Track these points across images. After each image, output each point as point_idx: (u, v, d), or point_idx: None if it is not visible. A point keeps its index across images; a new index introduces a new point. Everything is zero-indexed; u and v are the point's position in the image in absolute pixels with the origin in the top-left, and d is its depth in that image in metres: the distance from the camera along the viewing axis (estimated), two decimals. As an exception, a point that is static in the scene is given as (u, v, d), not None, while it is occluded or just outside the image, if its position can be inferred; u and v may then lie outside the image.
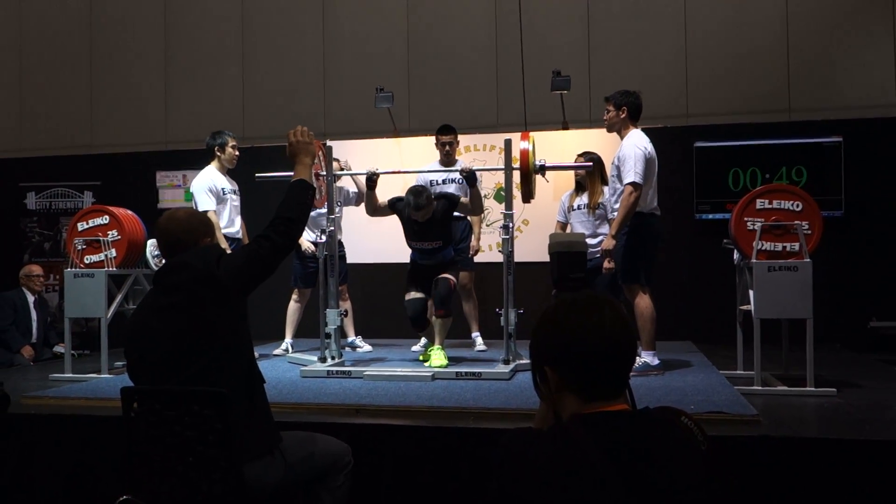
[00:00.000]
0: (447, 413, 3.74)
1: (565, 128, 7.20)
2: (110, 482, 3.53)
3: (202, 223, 2.78)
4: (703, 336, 6.51)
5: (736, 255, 4.88)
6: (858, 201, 6.84)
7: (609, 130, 5.07)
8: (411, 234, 5.25)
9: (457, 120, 6.30)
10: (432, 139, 6.16)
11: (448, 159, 5.96)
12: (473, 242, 6.05)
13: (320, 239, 5.33)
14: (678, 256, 6.85)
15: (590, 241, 5.27)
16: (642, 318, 4.78)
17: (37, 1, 8.86)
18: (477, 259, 6.21)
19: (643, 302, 4.80)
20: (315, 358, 5.23)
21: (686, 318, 6.80)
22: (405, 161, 7.05)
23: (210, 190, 5.52)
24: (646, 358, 4.76)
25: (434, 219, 5.13)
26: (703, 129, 7.21)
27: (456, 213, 5.81)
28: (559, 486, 1.39)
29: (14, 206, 8.54)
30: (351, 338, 6.36)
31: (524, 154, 4.79)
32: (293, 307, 6.23)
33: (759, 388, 4.29)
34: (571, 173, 5.93)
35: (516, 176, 4.93)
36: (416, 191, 5.05)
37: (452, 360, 5.17)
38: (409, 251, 5.44)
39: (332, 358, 5.15)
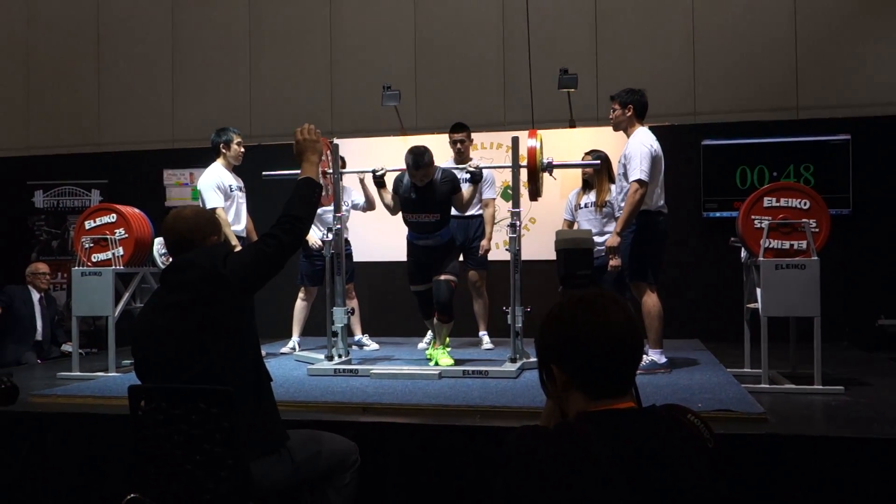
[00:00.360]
0: (454, 411, 3.73)
1: (572, 126, 7.20)
2: (118, 480, 3.54)
3: (209, 221, 2.79)
4: (710, 334, 6.49)
5: (743, 254, 4.87)
6: (866, 199, 6.81)
7: (615, 129, 5.06)
8: (409, 205, 5.08)
9: (464, 118, 6.30)
10: (440, 137, 6.15)
11: (461, 157, 5.92)
12: (484, 242, 6.01)
13: (327, 237, 5.33)
14: (685, 254, 6.83)
15: (597, 238, 5.24)
16: (649, 316, 4.77)
17: (44, 0, 8.88)
18: (483, 257, 6.21)
19: (650, 300, 4.79)
20: (322, 356, 5.24)
21: (693, 316, 6.79)
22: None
23: (218, 187, 5.53)
24: (653, 356, 4.75)
25: (435, 189, 5.01)
26: (711, 127, 7.19)
27: (471, 212, 5.84)
28: (566, 484, 1.39)
29: (22, 204, 8.57)
30: (357, 336, 6.36)
31: (531, 152, 4.79)
32: (300, 305, 6.24)
33: (767, 386, 4.28)
34: (578, 171, 5.92)
35: (523, 174, 4.93)
36: (418, 151, 4.91)
37: (459, 360, 5.16)
38: (414, 250, 5.41)
39: (339, 356, 5.16)
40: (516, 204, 5.02)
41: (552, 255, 4.69)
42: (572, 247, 3.47)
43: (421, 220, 5.09)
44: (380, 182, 5.20)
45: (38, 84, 8.86)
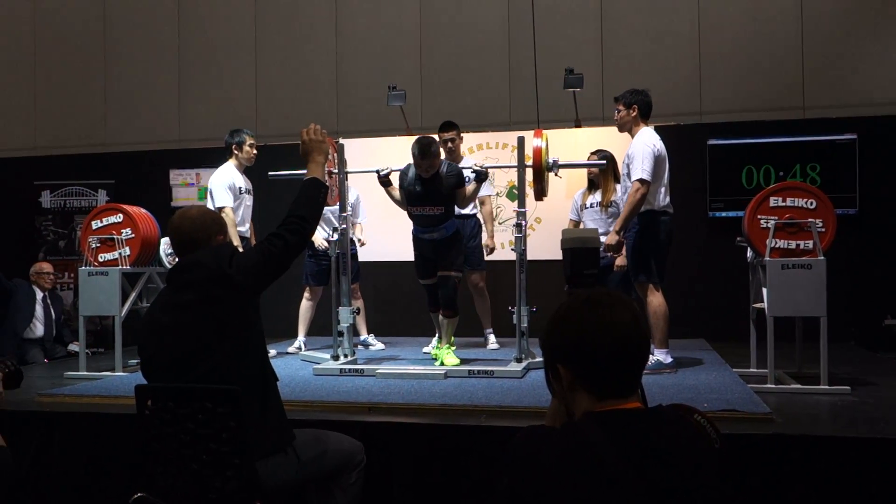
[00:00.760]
0: (459, 411, 3.73)
1: (578, 126, 7.19)
2: (125, 479, 3.55)
3: (215, 221, 2.79)
4: (716, 334, 6.48)
5: (749, 253, 4.86)
6: (873, 199, 6.79)
7: (620, 130, 5.05)
8: (414, 197, 5.08)
9: (469, 118, 6.31)
10: (446, 136, 6.12)
11: (452, 156, 5.86)
12: (486, 240, 6.00)
13: (332, 237, 5.33)
14: (691, 254, 6.82)
15: (602, 238, 5.24)
16: (655, 315, 4.77)
17: (51, 0, 8.92)
18: (490, 257, 6.19)
19: (656, 300, 4.79)
20: (328, 356, 5.25)
21: (699, 315, 6.78)
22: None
23: (229, 187, 5.55)
24: (658, 356, 4.74)
25: (440, 182, 5.00)
26: (717, 127, 7.18)
27: (466, 212, 5.82)
28: (572, 485, 1.39)
29: (29, 204, 8.59)
30: (363, 336, 6.37)
31: (537, 152, 4.79)
32: (305, 305, 6.25)
33: (773, 386, 4.27)
34: (584, 171, 5.91)
35: (529, 174, 4.93)
36: (425, 141, 4.90)
37: (464, 359, 5.17)
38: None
39: (345, 356, 5.17)
40: (522, 204, 5.02)
41: (558, 255, 4.67)
42: (579, 246, 3.44)
43: (426, 213, 5.09)
44: (385, 181, 5.20)
45: (46, 85, 8.89)
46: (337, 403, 3.91)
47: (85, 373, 5.10)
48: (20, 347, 6.88)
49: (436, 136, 5.29)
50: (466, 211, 5.83)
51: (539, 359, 4.74)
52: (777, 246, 4.34)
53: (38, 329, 7.10)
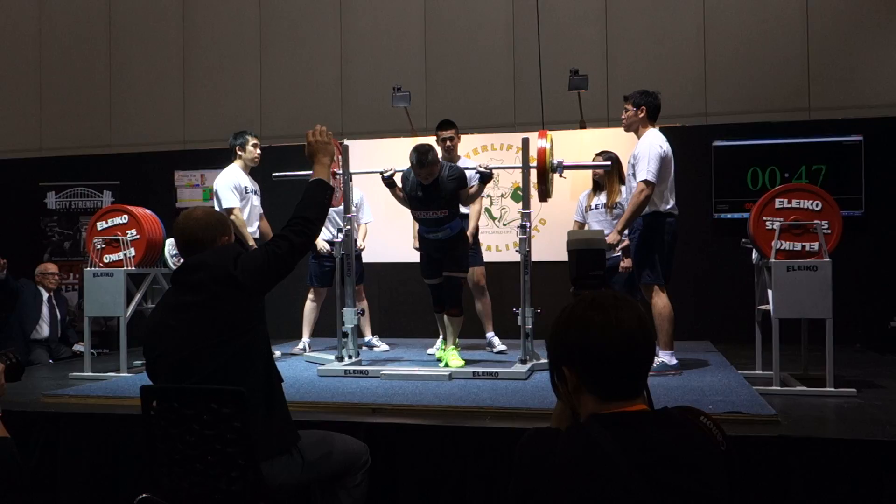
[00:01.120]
0: (464, 412, 3.73)
1: (583, 127, 7.18)
2: (130, 480, 3.56)
3: (220, 222, 2.80)
4: (721, 336, 6.47)
5: (755, 255, 4.85)
6: (879, 200, 6.77)
7: (626, 130, 5.05)
8: (417, 203, 5.10)
9: (474, 119, 6.30)
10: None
11: (450, 155, 5.82)
12: (469, 234, 5.68)
13: (337, 238, 5.34)
14: (696, 256, 6.81)
15: (608, 240, 5.23)
16: (660, 317, 4.76)
17: (57, 3, 8.94)
18: (494, 258, 6.18)
19: (661, 301, 4.78)
20: (332, 357, 5.25)
21: (704, 317, 6.77)
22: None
23: (235, 187, 5.57)
24: (664, 358, 4.74)
25: (441, 186, 5.00)
26: (722, 128, 7.17)
27: (464, 211, 5.79)
28: (579, 487, 1.39)
29: (34, 205, 8.62)
30: (368, 337, 6.37)
31: (541, 153, 4.78)
32: (309, 306, 6.25)
33: (778, 388, 4.26)
34: (589, 173, 5.90)
35: (533, 175, 4.92)
36: (422, 150, 4.90)
37: (469, 361, 5.17)
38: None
39: (349, 357, 5.17)
40: (526, 205, 5.01)
41: (563, 256, 4.66)
42: (584, 247, 3.44)
43: (429, 216, 5.10)
44: (389, 182, 5.20)
45: (51, 86, 8.92)
46: (341, 405, 3.91)
47: (90, 373, 5.11)
48: (27, 347, 6.90)
49: (434, 139, 5.26)
50: (464, 210, 5.81)
51: (543, 360, 4.75)
52: (782, 248, 4.33)
53: (44, 330, 7.12)
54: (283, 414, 2.65)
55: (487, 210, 7.24)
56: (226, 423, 2.34)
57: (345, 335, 5.24)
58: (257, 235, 5.78)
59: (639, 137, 4.92)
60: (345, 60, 8.16)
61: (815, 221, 4.30)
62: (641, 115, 4.88)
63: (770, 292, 4.34)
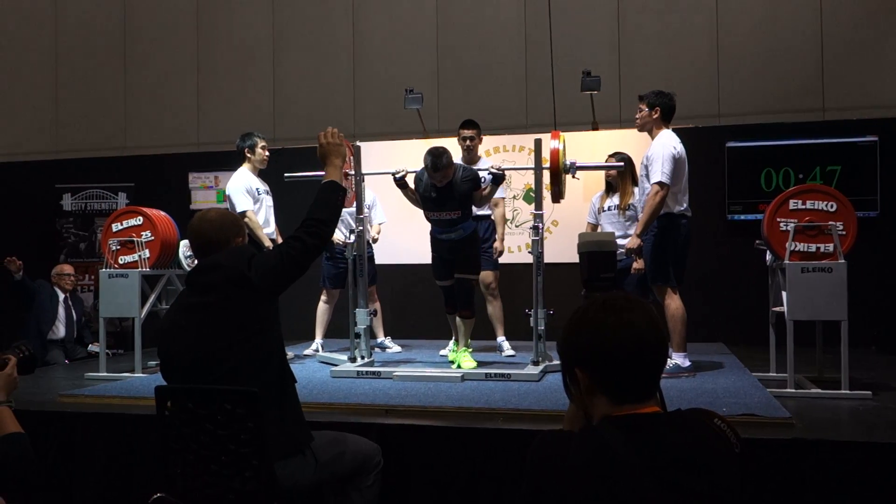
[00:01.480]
0: (476, 414, 3.73)
1: (595, 128, 7.17)
2: (144, 479, 3.58)
3: (233, 224, 2.82)
4: (735, 338, 6.43)
5: (768, 256, 4.83)
6: (894, 201, 6.71)
7: (640, 130, 5.03)
8: (430, 204, 5.11)
9: (486, 120, 6.29)
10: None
11: (470, 156, 5.83)
12: (497, 244, 5.88)
13: (349, 239, 5.35)
14: (710, 257, 6.78)
15: (620, 241, 5.19)
16: (673, 319, 4.74)
17: (72, 6, 9.02)
18: (506, 260, 6.16)
19: (674, 303, 4.76)
20: (345, 358, 5.26)
21: (718, 319, 6.74)
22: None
23: (247, 190, 5.59)
24: (677, 359, 4.72)
25: (454, 188, 5.01)
26: (735, 129, 7.14)
27: (481, 213, 5.81)
28: (591, 489, 1.38)
29: (50, 206, 8.69)
30: (380, 338, 6.38)
31: (554, 153, 4.77)
32: (322, 308, 6.26)
33: (793, 390, 4.24)
34: (602, 174, 5.89)
35: (546, 176, 4.91)
36: (437, 152, 4.90)
37: (481, 362, 5.17)
38: (437, 251, 5.41)
39: (362, 358, 5.18)
40: (539, 206, 5.01)
41: (575, 258, 4.67)
42: (595, 249, 3.43)
43: (442, 217, 5.12)
44: (401, 183, 5.21)
45: (67, 89, 8.99)
46: (354, 405, 3.92)
47: (105, 374, 5.14)
48: (43, 347, 6.96)
49: (446, 143, 5.26)
50: (482, 212, 5.82)
51: (556, 362, 4.74)
52: (797, 249, 4.31)
53: (60, 330, 7.17)
54: (296, 414, 2.66)
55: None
56: (239, 424, 2.35)
57: (357, 336, 5.25)
58: (275, 235, 5.81)
59: (652, 138, 4.90)
60: (357, 62, 8.18)
61: (830, 223, 4.28)
62: (656, 115, 4.86)
63: (784, 294, 4.32)
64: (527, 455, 1.51)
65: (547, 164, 4.85)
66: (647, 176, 4.80)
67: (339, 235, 6.00)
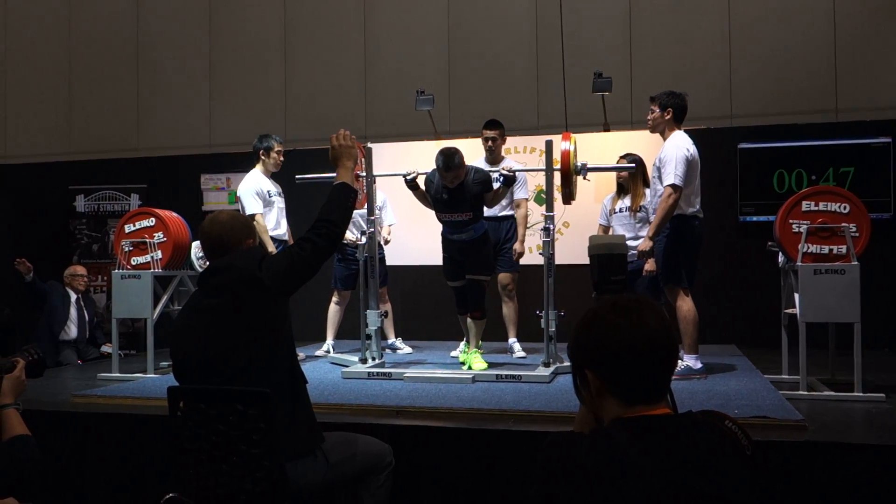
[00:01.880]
0: (487, 415, 3.73)
1: (606, 129, 7.15)
2: (157, 479, 3.60)
3: (244, 225, 2.83)
4: (747, 340, 6.41)
5: (781, 258, 4.81)
6: (908, 203, 6.67)
7: (652, 131, 5.01)
8: (441, 205, 5.12)
9: (497, 122, 6.27)
10: (472, 141, 6.11)
11: (493, 156, 5.81)
12: (517, 245, 5.84)
13: (360, 240, 5.37)
14: (722, 259, 6.75)
15: (631, 243, 5.18)
16: (684, 320, 4.72)
17: (85, 8, 9.08)
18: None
19: (685, 305, 4.75)
20: (356, 359, 5.27)
21: (730, 321, 6.71)
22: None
23: (257, 193, 5.61)
24: (688, 361, 4.70)
25: (465, 189, 5.01)
26: (748, 130, 7.10)
27: (504, 213, 5.81)
28: (601, 491, 1.38)
29: (64, 208, 8.75)
30: (391, 339, 6.39)
31: (565, 155, 4.76)
32: (333, 309, 6.28)
33: (805, 392, 4.22)
34: (613, 175, 5.88)
35: (557, 177, 4.91)
36: (449, 153, 4.90)
37: (492, 364, 5.16)
38: (448, 253, 5.42)
39: (373, 359, 5.19)
40: (550, 207, 5.01)
41: (586, 260, 4.66)
42: (605, 252, 3.43)
43: (454, 218, 5.12)
44: (412, 185, 5.21)
45: (80, 91, 9.05)
46: (365, 406, 3.93)
47: (118, 374, 5.17)
48: (55, 348, 7.00)
49: (458, 144, 5.26)
50: (504, 213, 5.82)
51: (566, 364, 4.73)
52: (809, 251, 4.29)
53: (73, 331, 7.21)
54: (307, 415, 2.67)
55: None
56: (251, 424, 2.36)
57: (368, 337, 5.26)
58: (286, 237, 5.83)
59: (664, 139, 4.88)
60: (368, 64, 8.20)
61: (843, 224, 4.25)
62: (668, 116, 4.84)
63: (797, 296, 4.30)
64: (537, 456, 1.51)
65: (558, 166, 4.84)
66: (660, 177, 4.78)
67: (350, 236, 6.02)
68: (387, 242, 6.32)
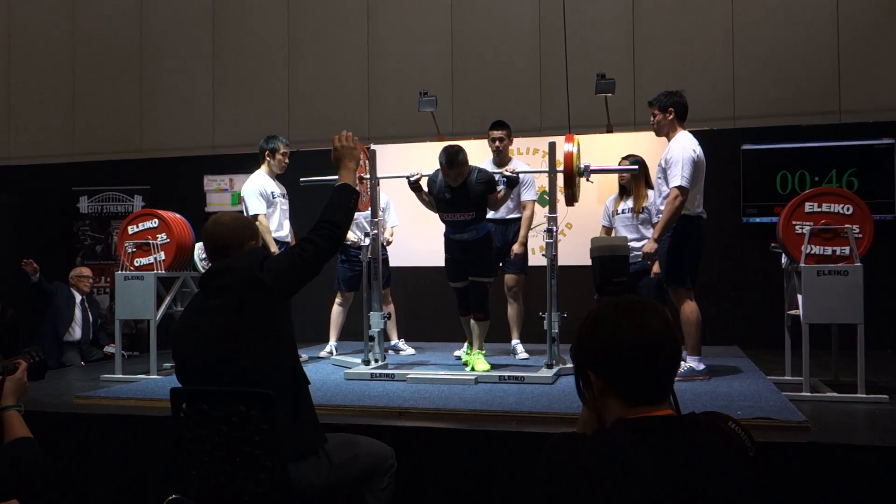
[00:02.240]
0: (490, 416, 3.73)
1: (609, 131, 7.15)
2: (159, 480, 3.60)
3: (247, 227, 2.83)
4: (750, 341, 6.40)
5: (784, 259, 4.80)
6: (912, 204, 6.66)
7: (658, 134, 4.97)
8: (444, 205, 5.11)
9: (500, 123, 6.28)
10: (476, 142, 6.10)
11: (500, 157, 5.78)
12: (515, 247, 5.81)
13: (363, 242, 5.37)
14: (725, 260, 6.75)
15: (634, 245, 5.19)
16: (688, 322, 4.72)
17: (88, 9, 9.10)
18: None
19: (688, 306, 4.74)
20: (359, 360, 5.27)
21: (733, 322, 6.70)
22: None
23: (261, 194, 5.61)
24: (691, 363, 4.69)
25: (469, 189, 5.01)
26: (751, 132, 7.10)
27: (511, 216, 5.81)
28: (604, 492, 1.38)
29: (67, 209, 8.77)
30: (394, 341, 6.39)
31: (568, 156, 4.76)
32: (337, 310, 6.28)
33: (808, 394, 4.21)
34: (615, 177, 5.87)
35: (560, 179, 4.91)
36: (452, 150, 4.90)
37: (495, 365, 5.16)
38: (451, 254, 5.42)
39: (376, 360, 5.18)
40: (553, 209, 5.01)
41: (589, 261, 4.67)
42: (608, 254, 3.44)
43: (456, 218, 5.12)
44: (416, 187, 5.21)
45: (83, 92, 9.06)
46: (368, 408, 3.93)
47: (121, 375, 5.18)
48: (59, 349, 7.01)
49: (467, 147, 5.25)
50: (512, 216, 5.82)
51: (569, 365, 4.73)
52: (812, 252, 4.28)
53: (76, 332, 7.23)
54: (309, 416, 2.67)
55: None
56: (254, 426, 2.37)
57: (371, 339, 5.26)
58: (289, 238, 5.83)
59: (669, 140, 4.85)
60: (371, 65, 8.21)
61: (846, 225, 4.25)
62: (671, 116, 4.82)
63: (800, 297, 4.29)
64: (540, 457, 1.52)
65: (561, 168, 4.84)
66: (665, 179, 4.75)
67: (353, 237, 6.02)
68: (390, 244, 6.33)
